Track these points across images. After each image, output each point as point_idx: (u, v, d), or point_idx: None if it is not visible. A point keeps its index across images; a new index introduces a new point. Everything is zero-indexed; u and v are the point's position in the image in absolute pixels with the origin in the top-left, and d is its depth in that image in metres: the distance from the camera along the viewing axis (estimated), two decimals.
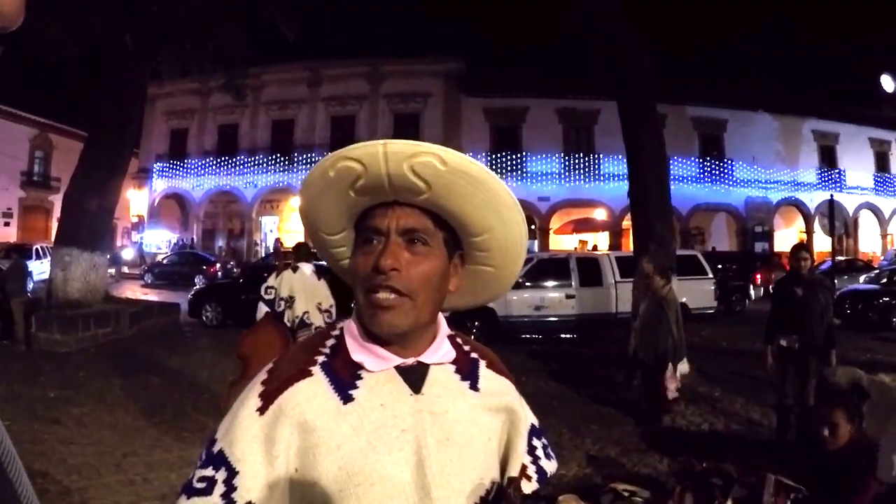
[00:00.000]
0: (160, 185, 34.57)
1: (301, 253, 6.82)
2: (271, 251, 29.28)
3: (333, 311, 6.42)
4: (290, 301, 6.24)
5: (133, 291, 21.58)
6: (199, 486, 0.99)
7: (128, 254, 29.46)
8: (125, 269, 27.22)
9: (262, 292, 6.42)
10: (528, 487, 1.18)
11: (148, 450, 5.82)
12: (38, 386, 8.02)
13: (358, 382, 1.05)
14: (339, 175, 1.03)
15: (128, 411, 7.05)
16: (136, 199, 34.20)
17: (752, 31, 31.82)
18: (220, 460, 1.00)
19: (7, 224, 34.76)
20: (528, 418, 1.23)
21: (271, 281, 6.46)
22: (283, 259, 6.74)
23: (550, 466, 1.25)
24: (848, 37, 34.27)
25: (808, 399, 5.87)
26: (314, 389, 1.03)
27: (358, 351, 1.06)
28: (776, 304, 6.45)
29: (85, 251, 11.56)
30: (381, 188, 1.02)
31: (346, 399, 1.03)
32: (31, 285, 12.62)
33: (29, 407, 7.03)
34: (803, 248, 6.50)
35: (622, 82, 10.36)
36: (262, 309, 6.36)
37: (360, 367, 1.05)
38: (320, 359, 1.07)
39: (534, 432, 1.24)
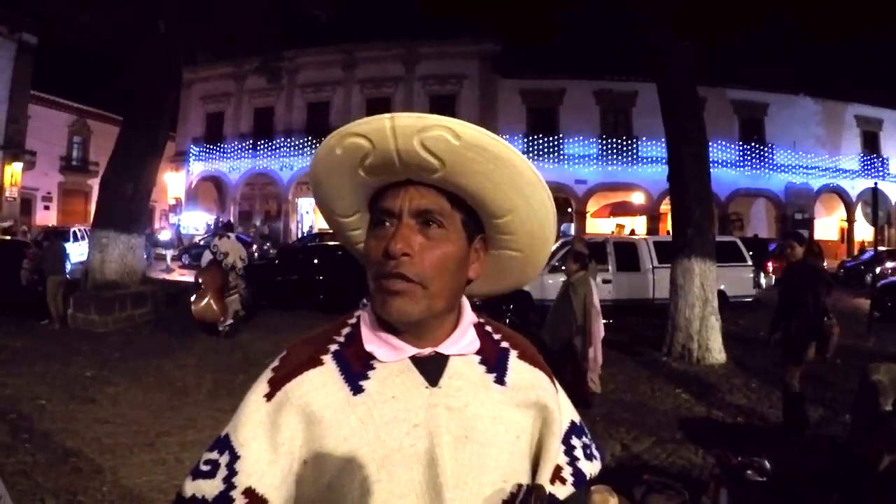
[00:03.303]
0: (197, 167, 35.05)
1: (229, 228, 12.27)
2: (313, 233, 29.54)
3: (247, 259, 11.44)
4: (225, 255, 10.66)
5: (173, 273, 21.93)
6: (205, 468, 0.98)
7: (165, 236, 29.89)
8: (172, 254, 27.18)
9: (210, 248, 10.88)
10: (563, 490, 1.09)
11: (181, 430, 5.89)
12: (75, 365, 8.17)
13: (370, 373, 0.99)
14: (346, 153, 0.96)
15: (162, 391, 7.14)
16: (173, 182, 34.72)
17: (795, 15, 30.80)
18: (224, 444, 0.98)
19: (47, 208, 35.72)
20: (566, 415, 1.14)
21: (216, 242, 10.94)
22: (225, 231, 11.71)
23: (591, 468, 1.15)
24: (893, 23, 33.03)
25: (791, 386, 6.05)
26: (324, 379, 0.98)
27: (371, 340, 1.01)
28: (779, 293, 6.54)
29: (122, 233, 11.70)
30: (392, 166, 0.95)
31: (356, 390, 0.97)
32: (69, 267, 12.87)
33: (66, 386, 7.17)
34: (791, 235, 6.49)
35: (662, 66, 10.12)
36: (208, 256, 10.79)
37: (372, 357, 1.00)
38: (333, 347, 1.02)
39: (574, 430, 1.16)
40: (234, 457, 0.96)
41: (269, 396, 0.98)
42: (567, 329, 6.57)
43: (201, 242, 27.79)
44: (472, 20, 30.86)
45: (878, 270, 19.93)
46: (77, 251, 20.80)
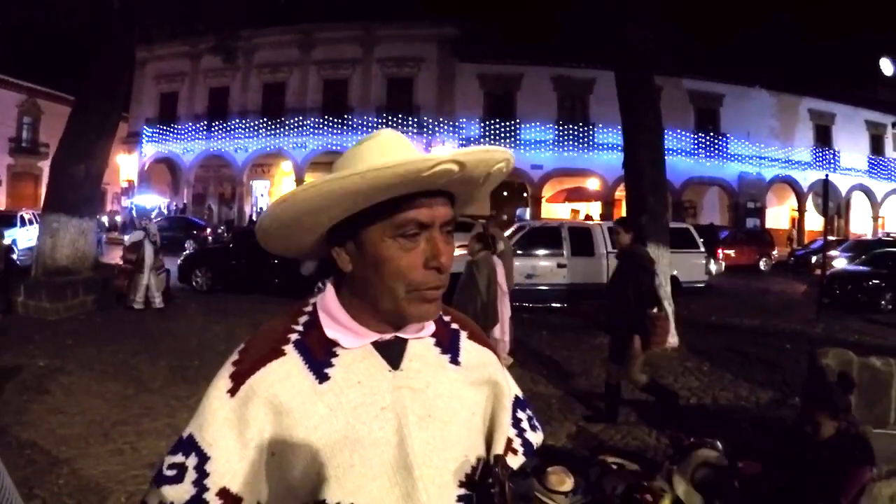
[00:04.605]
0: (150, 149, 34.25)
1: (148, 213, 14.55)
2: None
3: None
4: (156, 235, 11.78)
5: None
6: (170, 473, 0.96)
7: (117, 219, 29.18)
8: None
9: (144, 228, 11.71)
10: (515, 461, 1.15)
11: (136, 418, 5.80)
12: (26, 354, 7.93)
13: (333, 360, 1.01)
14: (435, 175, 0.93)
15: (116, 379, 7.01)
16: (126, 164, 33.82)
17: (754, 12, 31.48)
18: (190, 445, 0.97)
19: None
20: (511, 390, 1.20)
21: (149, 225, 11.89)
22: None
23: (536, 438, 1.22)
24: (849, 20, 34.03)
25: (611, 375, 6.07)
26: (287, 369, 0.99)
27: (333, 328, 1.02)
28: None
29: (73, 217, 11.38)
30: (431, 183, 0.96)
31: (322, 378, 0.99)
32: (16, 253, 12.52)
33: (17, 376, 6.97)
34: (617, 222, 6.48)
35: (620, 54, 10.24)
36: (140, 234, 11.60)
37: (335, 344, 1.01)
38: (293, 337, 1.03)
39: (518, 404, 1.21)
40: (203, 458, 0.95)
41: (232, 392, 0.97)
42: (472, 307, 6.64)
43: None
44: (432, 3, 30.65)
45: (813, 259, 20.68)
46: (25, 236, 20.14)
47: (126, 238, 11.38)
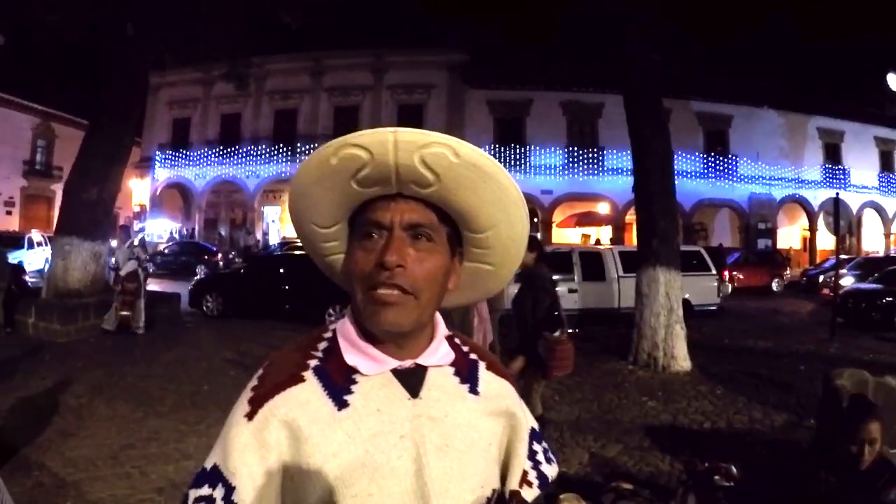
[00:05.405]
0: (162, 174, 34.54)
1: (128, 232, 12.94)
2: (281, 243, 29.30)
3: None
4: (145, 261, 11.95)
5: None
6: None
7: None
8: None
9: (137, 257, 11.27)
10: (530, 493, 1.13)
11: (145, 442, 5.78)
12: (36, 376, 7.98)
13: (353, 387, 0.99)
14: (341, 163, 0.97)
15: (126, 403, 7.00)
16: (138, 189, 34.13)
17: (758, 28, 31.66)
18: (215, 476, 0.95)
19: (9, 213, 34.63)
20: (528, 422, 1.18)
21: (139, 252, 11.53)
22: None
23: (552, 471, 1.20)
24: (855, 35, 34.14)
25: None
26: (307, 396, 0.97)
27: (352, 354, 1.01)
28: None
29: (85, 240, 11.48)
30: (386, 179, 0.96)
31: (341, 405, 0.97)
32: (28, 276, 12.65)
33: (27, 397, 7.00)
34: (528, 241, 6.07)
35: (629, 78, 10.27)
36: (134, 264, 11.13)
37: (354, 370, 1.00)
38: (313, 363, 1.01)
39: (534, 436, 1.19)
40: (230, 488, 0.93)
41: (251, 416, 0.96)
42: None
43: (166, 251, 27.41)
44: (441, 30, 30.96)
45: (821, 279, 20.51)
46: (33, 258, 20.03)
47: (123, 268, 11.19)
